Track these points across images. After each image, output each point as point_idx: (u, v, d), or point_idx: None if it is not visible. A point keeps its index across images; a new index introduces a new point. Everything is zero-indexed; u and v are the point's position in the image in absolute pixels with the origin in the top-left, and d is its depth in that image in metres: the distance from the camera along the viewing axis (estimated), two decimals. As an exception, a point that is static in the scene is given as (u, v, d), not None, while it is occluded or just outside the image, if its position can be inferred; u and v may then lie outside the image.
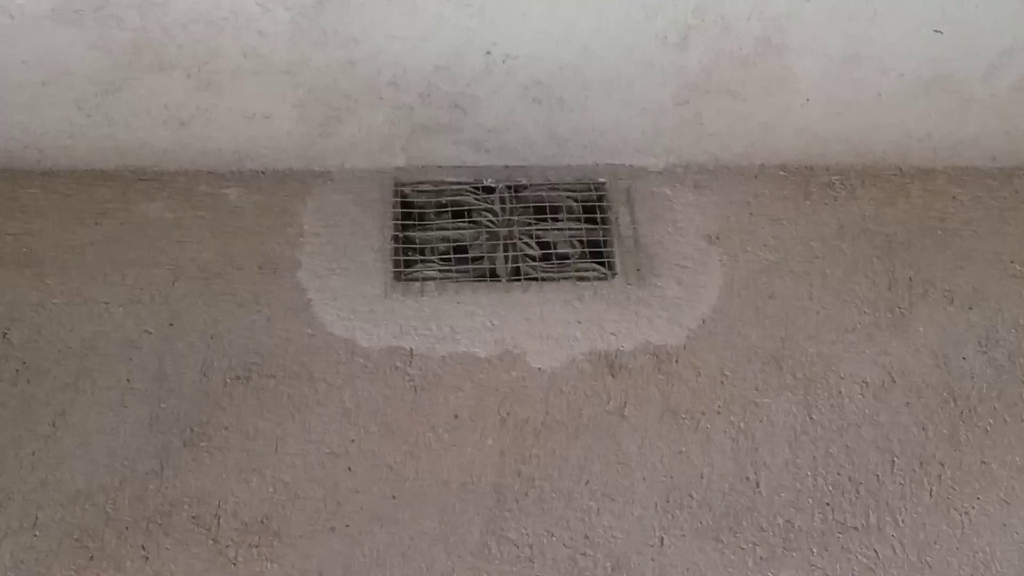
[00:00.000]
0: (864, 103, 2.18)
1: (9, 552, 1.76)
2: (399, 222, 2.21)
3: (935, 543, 1.86)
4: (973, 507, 1.90)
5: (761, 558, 1.84)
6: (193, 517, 1.82)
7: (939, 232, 2.27)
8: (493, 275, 2.16)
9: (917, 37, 2.04)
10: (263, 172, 2.27)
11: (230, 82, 2.04)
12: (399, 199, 2.24)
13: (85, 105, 2.06)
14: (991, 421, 2.01)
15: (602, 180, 2.29)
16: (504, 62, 2.04)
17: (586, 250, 2.21)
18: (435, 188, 2.26)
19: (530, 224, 2.23)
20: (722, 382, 2.05)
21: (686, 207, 2.28)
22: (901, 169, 2.35)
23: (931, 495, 1.91)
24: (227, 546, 1.79)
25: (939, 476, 1.93)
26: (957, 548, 1.86)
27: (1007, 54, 2.07)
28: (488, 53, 2.01)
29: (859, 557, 1.85)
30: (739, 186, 2.32)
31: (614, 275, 2.16)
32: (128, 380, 1.95)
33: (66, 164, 2.22)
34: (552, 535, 1.85)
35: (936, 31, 2.02)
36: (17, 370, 1.95)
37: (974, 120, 2.21)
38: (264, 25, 1.93)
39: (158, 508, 1.82)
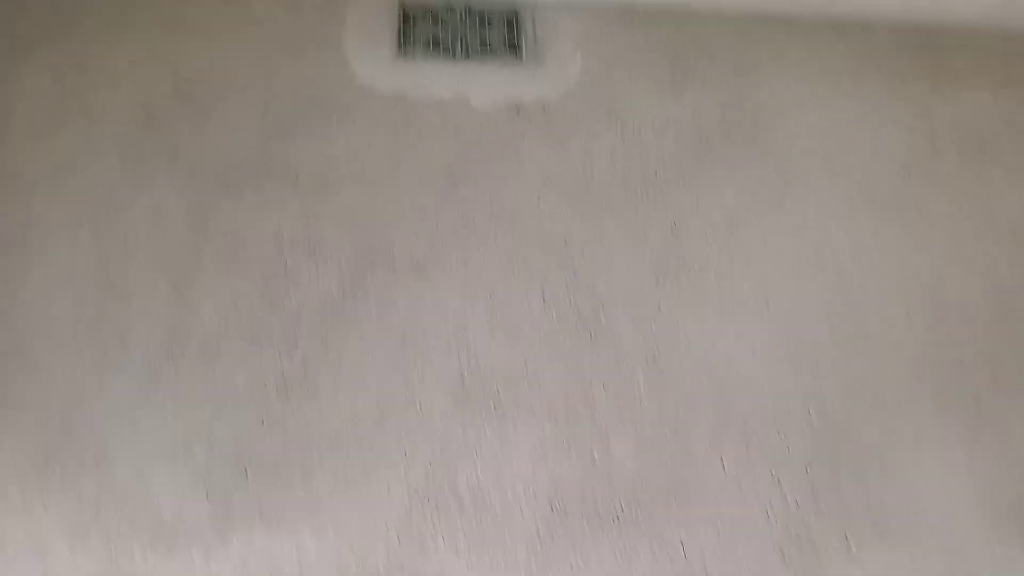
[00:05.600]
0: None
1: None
2: (401, 24, 2.64)
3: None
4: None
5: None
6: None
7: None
8: (456, 55, 2.60)
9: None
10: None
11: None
12: (401, 11, 2.68)
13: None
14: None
15: (519, 9, 2.69)
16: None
17: (507, 45, 2.65)
18: (427, 6, 2.60)
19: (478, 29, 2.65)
20: (578, 120, 2.60)
21: (566, 25, 2.72)
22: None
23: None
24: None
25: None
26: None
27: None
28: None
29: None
30: (600, 18, 2.71)
31: (522, 60, 2.64)
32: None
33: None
34: (484, 203, 2.44)
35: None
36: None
37: None
38: None
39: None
